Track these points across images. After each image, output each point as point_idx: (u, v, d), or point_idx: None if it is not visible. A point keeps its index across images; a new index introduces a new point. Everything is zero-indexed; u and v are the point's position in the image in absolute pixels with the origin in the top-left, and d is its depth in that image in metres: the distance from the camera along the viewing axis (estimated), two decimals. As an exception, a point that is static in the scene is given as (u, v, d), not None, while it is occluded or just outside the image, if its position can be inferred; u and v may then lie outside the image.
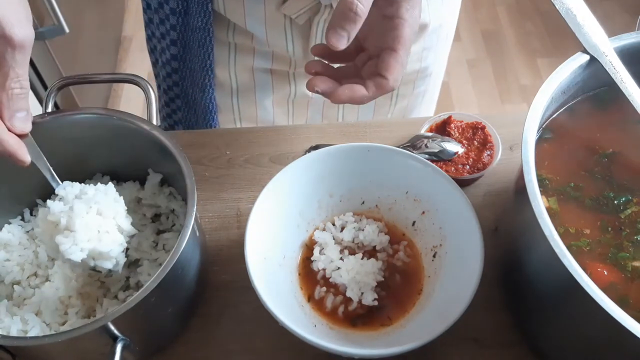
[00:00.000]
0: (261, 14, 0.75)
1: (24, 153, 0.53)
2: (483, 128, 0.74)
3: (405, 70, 0.89)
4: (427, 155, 0.71)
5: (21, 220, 0.66)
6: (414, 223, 0.67)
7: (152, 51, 0.91)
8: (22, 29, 0.51)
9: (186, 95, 0.88)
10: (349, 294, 0.62)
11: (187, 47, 0.81)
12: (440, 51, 0.93)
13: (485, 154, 0.72)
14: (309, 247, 0.66)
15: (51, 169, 0.58)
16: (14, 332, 0.55)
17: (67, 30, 1.42)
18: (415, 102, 0.97)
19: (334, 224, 0.68)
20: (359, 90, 0.55)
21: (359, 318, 0.61)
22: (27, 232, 0.65)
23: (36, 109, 1.45)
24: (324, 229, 0.67)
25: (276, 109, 0.90)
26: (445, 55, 0.97)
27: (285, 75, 0.86)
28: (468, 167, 0.72)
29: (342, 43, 0.52)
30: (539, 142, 0.60)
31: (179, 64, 0.84)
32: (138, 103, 2.05)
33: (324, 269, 0.64)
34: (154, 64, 0.93)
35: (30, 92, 1.47)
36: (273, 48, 0.80)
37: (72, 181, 0.67)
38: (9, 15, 0.51)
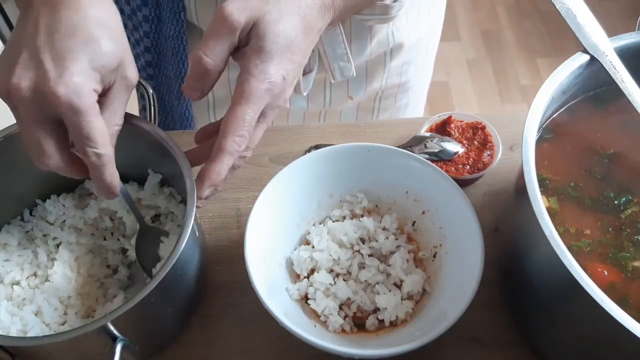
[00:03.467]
0: None
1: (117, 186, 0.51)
2: (483, 128, 0.74)
3: (386, 84, 0.88)
4: (427, 155, 0.71)
5: (21, 220, 0.65)
6: (414, 223, 0.67)
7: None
8: (135, 71, 0.51)
9: (162, 101, 0.88)
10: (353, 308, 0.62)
11: (162, 55, 0.81)
12: (421, 64, 0.92)
13: (486, 154, 0.72)
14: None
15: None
16: (13, 333, 0.55)
17: (67, 30, 1.42)
18: (397, 114, 0.97)
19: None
20: (212, 167, 0.53)
21: (360, 320, 0.61)
22: (27, 232, 0.64)
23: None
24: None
25: None
26: (428, 67, 0.97)
27: None
28: (468, 167, 0.72)
29: (196, 96, 0.53)
30: (539, 142, 0.60)
31: (154, 70, 0.83)
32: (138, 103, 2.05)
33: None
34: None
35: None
36: None
37: (71, 181, 0.67)
38: (128, 57, 0.51)
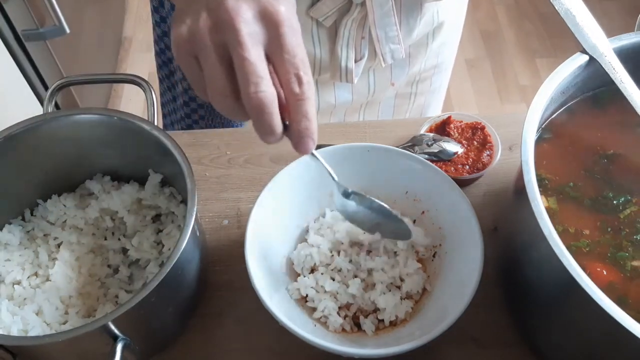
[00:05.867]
0: None
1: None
2: (482, 128, 0.74)
3: (425, 66, 0.89)
4: (427, 155, 0.71)
5: (22, 220, 0.66)
6: (413, 223, 0.67)
7: (162, 52, 0.90)
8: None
9: None
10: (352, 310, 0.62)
11: None
12: (453, 43, 0.94)
13: (485, 154, 0.72)
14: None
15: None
16: (14, 332, 0.56)
17: (67, 30, 1.42)
18: (432, 98, 0.98)
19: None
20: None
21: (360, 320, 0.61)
22: (28, 232, 0.65)
23: (37, 109, 1.46)
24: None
25: None
26: (456, 44, 0.98)
27: None
28: (468, 167, 0.72)
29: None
30: (539, 142, 0.60)
31: None
32: (138, 103, 2.05)
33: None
34: (166, 62, 0.91)
35: (31, 92, 1.48)
36: None
37: (72, 181, 0.67)
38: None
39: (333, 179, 0.57)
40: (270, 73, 0.45)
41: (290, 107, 0.45)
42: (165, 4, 0.85)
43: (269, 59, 0.45)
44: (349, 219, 0.61)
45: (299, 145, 0.46)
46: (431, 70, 0.93)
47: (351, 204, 0.60)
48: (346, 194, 0.59)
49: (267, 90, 0.43)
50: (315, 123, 0.46)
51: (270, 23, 0.44)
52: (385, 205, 0.60)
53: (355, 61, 0.79)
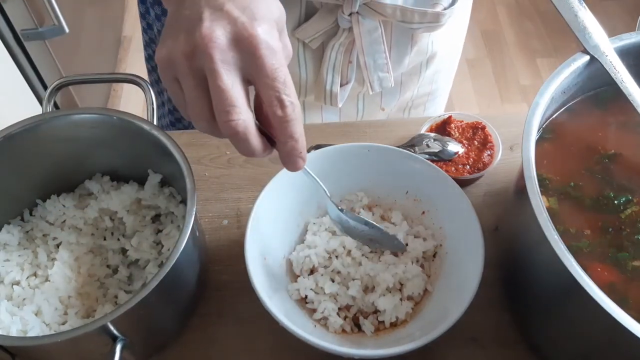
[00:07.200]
0: None
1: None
2: (483, 128, 0.74)
3: (417, 93, 0.88)
4: (427, 155, 0.71)
5: (21, 220, 0.65)
6: (412, 223, 0.67)
7: (151, 57, 0.90)
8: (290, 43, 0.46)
9: None
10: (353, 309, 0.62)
11: None
12: (449, 71, 0.93)
13: (486, 154, 0.72)
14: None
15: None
16: (13, 332, 0.55)
17: (67, 30, 1.43)
18: None
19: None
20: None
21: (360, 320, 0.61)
22: (27, 232, 0.65)
23: (36, 108, 1.45)
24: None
25: None
26: (453, 72, 0.96)
27: None
28: (468, 167, 0.72)
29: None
30: (539, 142, 0.60)
31: None
32: (138, 103, 2.05)
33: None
34: (155, 68, 0.91)
35: (30, 92, 1.48)
36: None
37: (71, 181, 0.67)
38: (285, 27, 0.46)
39: (326, 194, 0.58)
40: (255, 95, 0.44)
41: (275, 129, 0.45)
42: (151, 11, 0.84)
43: (250, 81, 0.45)
44: (344, 231, 0.62)
45: (288, 164, 0.47)
46: (424, 97, 0.91)
47: (345, 218, 0.61)
48: (339, 210, 0.61)
49: (239, 118, 0.43)
50: (303, 142, 0.46)
51: (245, 48, 0.43)
52: (378, 225, 0.61)
53: (341, 85, 0.78)
